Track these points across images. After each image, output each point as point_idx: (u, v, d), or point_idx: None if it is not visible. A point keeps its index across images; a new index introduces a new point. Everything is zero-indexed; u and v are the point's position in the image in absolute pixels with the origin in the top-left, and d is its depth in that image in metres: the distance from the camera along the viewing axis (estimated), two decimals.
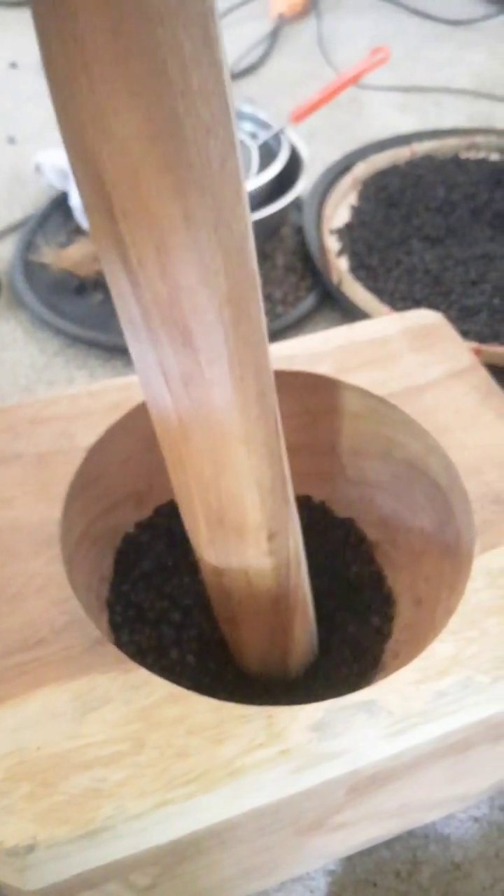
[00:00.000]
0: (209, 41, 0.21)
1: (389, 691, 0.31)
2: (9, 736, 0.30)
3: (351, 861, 0.45)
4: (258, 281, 0.27)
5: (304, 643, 0.40)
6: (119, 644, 0.40)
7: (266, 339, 0.28)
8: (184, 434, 0.30)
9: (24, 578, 0.34)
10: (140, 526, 0.45)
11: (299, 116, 0.78)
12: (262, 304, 0.28)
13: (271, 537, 0.34)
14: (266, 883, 0.43)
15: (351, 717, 0.31)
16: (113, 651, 0.32)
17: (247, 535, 0.33)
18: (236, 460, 0.30)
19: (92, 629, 0.33)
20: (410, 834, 0.46)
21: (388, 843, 0.45)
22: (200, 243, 0.24)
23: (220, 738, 0.30)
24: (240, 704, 0.31)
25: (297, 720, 0.30)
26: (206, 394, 0.28)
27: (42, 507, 0.37)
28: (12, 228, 0.84)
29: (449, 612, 0.36)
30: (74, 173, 0.23)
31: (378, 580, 0.45)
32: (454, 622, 0.34)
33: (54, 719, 0.30)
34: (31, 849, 0.27)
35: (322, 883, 0.44)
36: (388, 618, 0.44)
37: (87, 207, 0.24)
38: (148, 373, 0.28)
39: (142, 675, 0.31)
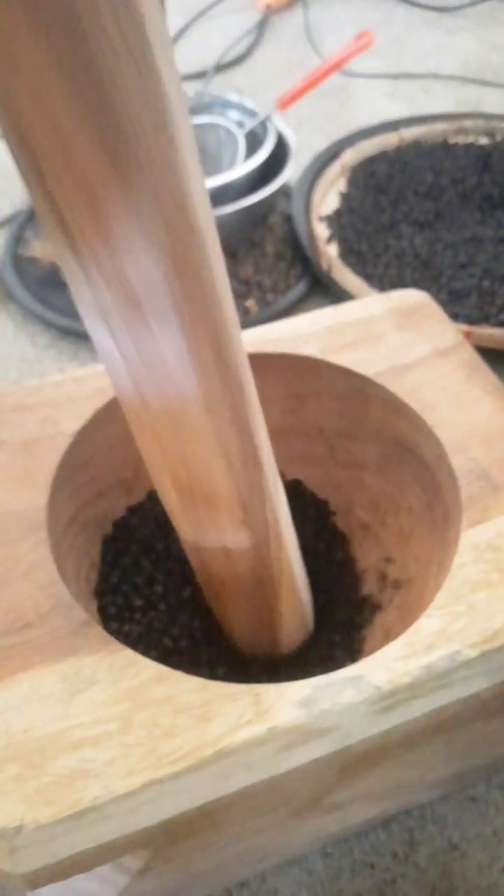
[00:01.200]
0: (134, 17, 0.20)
1: (377, 667, 0.31)
2: None
3: (348, 843, 0.45)
4: (211, 254, 0.26)
5: (294, 619, 0.40)
6: (110, 633, 0.40)
7: (226, 313, 0.28)
8: (143, 401, 0.29)
9: (10, 563, 0.34)
10: (130, 511, 0.45)
11: (285, 103, 0.77)
12: (220, 279, 0.27)
13: (245, 508, 0.33)
14: (262, 866, 0.43)
15: (338, 693, 0.31)
16: (99, 633, 0.32)
17: (218, 506, 0.33)
18: (199, 428, 0.30)
19: (78, 612, 0.33)
20: (407, 814, 0.46)
21: (385, 824, 0.45)
22: (137, 205, 0.23)
23: (208, 716, 0.30)
24: (227, 683, 0.31)
25: (284, 697, 0.30)
26: (161, 362, 0.27)
27: (27, 493, 0.37)
28: (1, 223, 0.84)
29: (438, 588, 0.36)
30: (10, 151, 0.23)
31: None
32: (441, 597, 0.33)
33: (41, 701, 0.30)
34: (18, 830, 0.27)
35: (319, 865, 0.44)
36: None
37: (27, 183, 0.23)
38: (102, 340, 0.28)
39: (128, 655, 0.31)
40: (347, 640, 0.43)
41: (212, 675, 0.40)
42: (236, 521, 0.34)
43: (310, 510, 0.47)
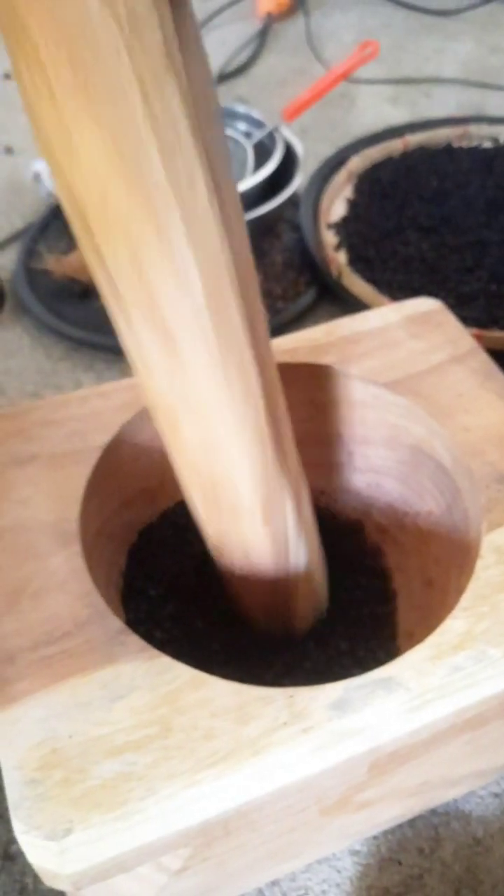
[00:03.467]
0: (172, 69, 0.22)
1: (406, 668, 0.32)
2: (40, 726, 0.31)
3: (375, 840, 0.46)
4: (241, 287, 0.28)
5: (309, 608, 0.42)
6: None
7: (254, 338, 0.30)
8: (175, 426, 0.31)
9: (46, 575, 0.35)
10: (159, 518, 0.46)
11: (292, 114, 0.79)
12: (252, 308, 0.29)
13: (266, 516, 0.35)
14: (293, 865, 0.44)
15: (369, 694, 0.32)
16: (135, 640, 0.33)
17: (241, 514, 0.35)
18: (226, 448, 0.32)
19: (114, 621, 0.34)
20: (432, 812, 0.47)
21: (411, 822, 0.46)
22: (174, 256, 0.25)
23: (244, 719, 0.31)
24: (260, 686, 0.32)
25: (317, 699, 0.31)
26: (191, 388, 0.29)
27: (59, 506, 0.38)
28: (13, 237, 0.85)
29: (460, 590, 0.37)
30: (56, 188, 0.25)
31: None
32: (466, 599, 0.34)
33: (83, 708, 0.31)
34: (67, 832, 0.28)
35: (348, 863, 0.45)
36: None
37: (67, 216, 0.26)
38: (139, 369, 0.30)
39: (164, 661, 0.32)
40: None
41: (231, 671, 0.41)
42: (257, 528, 0.36)
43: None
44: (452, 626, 0.34)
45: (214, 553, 0.39)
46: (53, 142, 0.23)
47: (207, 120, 0.24)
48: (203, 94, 0.24)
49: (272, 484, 0.35)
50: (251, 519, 0.35)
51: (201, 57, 0.23)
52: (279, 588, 0.39)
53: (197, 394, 0.30)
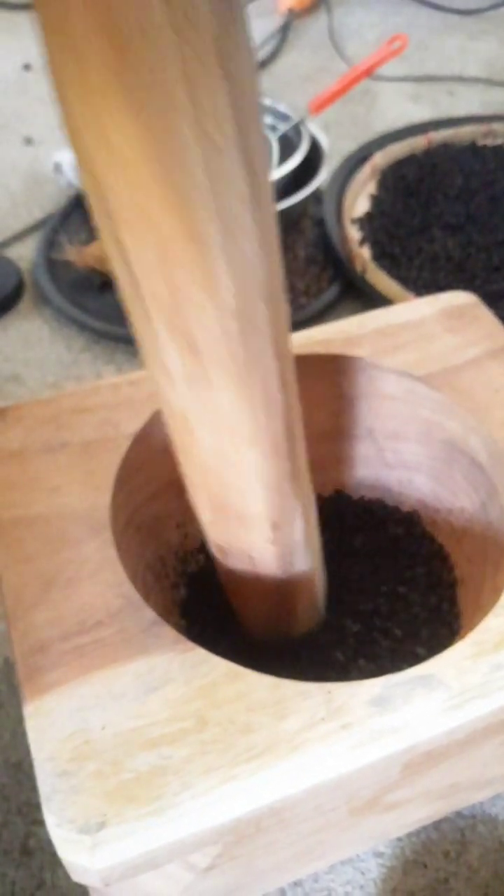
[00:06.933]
0: (221, 63, 0.20)
1: (447, 665, 0.32)
2: (73, 716, 0.30)
3: (400, 842, 0.45)
4: (273, 293, 0.27)
5: (308, 613, 0.41)
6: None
7: (280, 348, 0.28)
8: (189, 430, 0.30)
9: (78, 563, 0.35)
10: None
11: (318, 107, 0.78)
12: (278, 315, 0.27)
13: (275, 528, 0.34)
14: (318, 865, 0.43)
15: (409, 691, 0.31)
16: (169, 632, 0.32)
17: (249, 525, 0.34)
18: (241, 459, 0.31)
19: (147, 612, 0.33)
20: (458, 814, 0.46)
21: (436, 825, 0.46)
22: (207, 261, 0.24)
23: (282, 713, 0.30)
24: (298, 681, 0.31)
25: (357, 695, 0.31)
26: (211, 398, 0.28)
27: (91, 494, 0.37)
28: (34, 228, 0.85)
29: (496, 589, 0.36)
30: (81, 177, 0.23)
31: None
32: None
33: (117, 699, 0.30)
34: (101, 826, 0.28)
35: (372, 864, 0.44)
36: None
37: (94, 215, 0.24)
38: (154, 370, 0.28)
39: (199, 654, 0.32)
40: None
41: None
42: (265, 539, 0.35)
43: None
44: (493, 623, 0.33)
45: (215, 551, 0.38)
46: (80, 125, 0.21)
47: (252, 119, 0.22)
48: (249, 90, 0.22)
49: (284, 500, 0.34)
50: (259, 528, 0.34)
51: (249, 52, 0.22)
52: (281, 595, 0.39)
53: (217, 404, 0.28)
